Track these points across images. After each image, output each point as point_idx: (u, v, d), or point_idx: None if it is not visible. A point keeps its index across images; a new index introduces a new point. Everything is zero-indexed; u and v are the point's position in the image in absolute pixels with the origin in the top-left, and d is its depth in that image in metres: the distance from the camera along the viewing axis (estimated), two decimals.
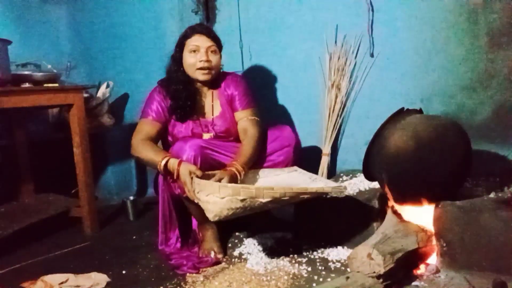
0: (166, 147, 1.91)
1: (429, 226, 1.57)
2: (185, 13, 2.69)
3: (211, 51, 1.84)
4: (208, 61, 1.83)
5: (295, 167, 1.87)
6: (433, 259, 1.55)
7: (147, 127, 1.85)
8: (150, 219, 2.34)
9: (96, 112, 2.67)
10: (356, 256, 1.39)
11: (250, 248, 1.88)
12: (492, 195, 1.59)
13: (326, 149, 2.32)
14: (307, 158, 2.24)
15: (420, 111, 1.75)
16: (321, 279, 1.57)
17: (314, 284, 1.54)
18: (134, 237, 2.16)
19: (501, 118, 1.94)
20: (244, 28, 2.56)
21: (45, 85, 2.10)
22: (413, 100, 2.09)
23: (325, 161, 2.31)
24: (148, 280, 1.67)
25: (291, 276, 1.62)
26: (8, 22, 2.64)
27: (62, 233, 2.23)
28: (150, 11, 2.74)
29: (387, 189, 1.65)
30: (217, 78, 1.94)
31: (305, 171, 1.84)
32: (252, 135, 1.83)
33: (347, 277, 1.37)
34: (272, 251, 1.84)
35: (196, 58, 1.83)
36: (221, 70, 1.98)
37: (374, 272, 1.35)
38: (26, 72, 2.10)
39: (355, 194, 1.90)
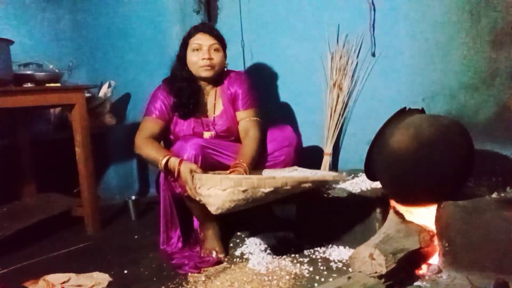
0: (168, 145, 1.91)
1: (431, 226, 1.56)
2: (186, 12, 2.69)
3: (214, 49, 1.86)
4: (210, 58, 1.84)
5: (295, 167, 1.87)
6: (435, 259, 1.54)
7: (150, 125, 1.87)
8: (152, 218, 2.34)
9: (98, 112, 2.67)
10: (358, 256, 1.39)
11: (252, 247, 1.88)
12: (494, 195, 1.58)
13: (328, 149, 2.32)
14: (308, 158, 2.23)
15: (422, 111, 1.75)
16: (322, 279, 1.57)
17: (315, 284, 1.54)
18: (136, 236, 2.16)
19: (503, 117, 1.93)
20: (245, 28, 2.56)
21: (47, 85, 2.10)
22: (415, 100, 2.08)
23: (326, 160, 2.30)
24: (149, 279, 1.67)
25: (292, 276, 1.61)
26: (10, 22, 2.65)
27: (64, 232, 2.24)
28: (151, 11, 2.74)
29: (389, 189, 1.65)
30: (220, 76, 1.95)
31: (305, 169, 1.84)
32: (253, 137, 1.83)
33: (349, 277, 1.36)
34: (273, 251, 1.84)
35: (198, 56, 1.84)
36: (226, 69, 1.98)
37: (376, 272, 1.34)
38: (28, 72, 2.10)
39: (357, 193, 1.89)
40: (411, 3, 2.09)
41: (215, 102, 1.95)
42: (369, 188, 1.93)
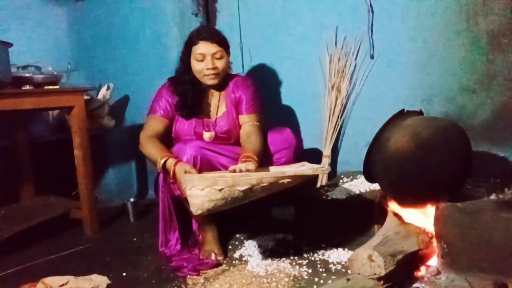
0: (168, 142, 1.92)
1: (430, 227, 1.56)
2: (185, 15, 2.69)
3: (217, 58, 1.85)
4: (214, 68, 1.84)
5: (304, 162, 1.80)
6: (434, 261, 1.54)
7: (154, 123, 1.90)
8: (151, 221, 2.34)
9: (97, 114, 2.67)
10: (357, 258, 1.39)
11: (251, 250, 1.88)
12: (493, 196, 1.58)
13: (327, 151, 2.32)
14: (307, 160, 2.23)
15: (420, 113, 1.75)
16: (321, 281, 1.57)
17: (314, 286, 1.54)
18: (135, 239, 2.16)
19: (501, 119, 1.94)
20: (244, 30, 2.56)
21: (46, 87, 2.10)
22: (413, 102, 2.09)
23: (325, 162, 2.30)
24: (148, 282, 1.67)
25: (291, 278, 1.61)
26: (9, 24, 2.65)
27: (63, 235, 2.23)
28: (150, 13, 2.74)
29: (387, 191, 1.65)
30: (225, 79, 1.96)
31: (312, 164, 1.76)
32: (255, 141, 1.84)
33: (348, 279, 1.36)
34: (272, 253, 1.84)
35: (202, 66, 1.85)
36: (230, 70, 2.00)
37: (375, 274, 1.35)
38: (27, 75, 2.09)
39: (355, 195, 1.90)
40: (409, 5, 2.10)
41: (218, 104, 1.96)
42: (367, 190, 1.94)
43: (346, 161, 2.38)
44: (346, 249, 1.80)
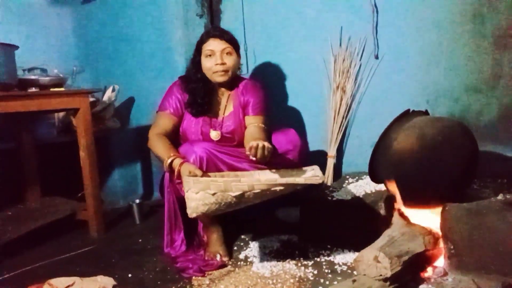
0: (177, 141, 1.92)
1: (436, 228, 1.55)
2: (189, 16, 2.70)
3: (226, 53, 1.88)
4: (223, 63, 1.87)
5: (314, 166, 1.74)
6: (440, 262, 1.53)
7: (164, 120, 1.92)
8: (156, 222, 2.34)
9: (102, 115, 2.68)
10: (363, 259, 1.38)
11: (256, 251, 1.88)
12: (499, 196, 1.57)
13: (332, 152, 2.31)
14: (312, 161, 2.23)
15: (426, 113, 1.74)
16: (327, 282, 1.57)
17: (320, 287, 1.53)
18: (140, 240, 2.16)
19: (507, 118, 1.93)
20: (248, 31, 2.56)
21: (51, 89, 2.11)
22: (419, 102, 2.08)
23: (330, 163, 2.30)
24: (153, 283, 1.67)
25: (297, 279, 1.61)
26: (15, 27, 2.67)
27: (68, 236, 2.24)
28: (154, 15, 2.74)
29: (393, 191, 1.64)
30: (235, 80, 1.98)
31: (312, 171, 1.72)
32: (261, 138, 1.82)
33: (354, 280, 1.36)
34: (278, 254, 1.84)
35: (212, 62, 1.87)
36: (241, 72, 2.04)
37: (381, 275, 1.34)
38: (33, 77, 2.11)
39: (361, 196, 1.89)
40: (414, 5, 2.09)
41: (226, 104, 1.98)
42: (373, 191, 1.93)
43: (351, 162, 2.37)
44: (351, 250, 1.79)
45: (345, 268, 1.67)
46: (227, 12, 2.65)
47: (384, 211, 1.75)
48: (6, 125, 2.44)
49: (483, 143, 1.78)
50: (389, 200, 1.76)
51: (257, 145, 1.56)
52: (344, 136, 2.36)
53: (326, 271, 1.66)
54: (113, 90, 2.73)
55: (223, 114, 1.97)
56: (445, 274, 1.47)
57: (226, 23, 2.64)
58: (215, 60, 1.87)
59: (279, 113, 2.50)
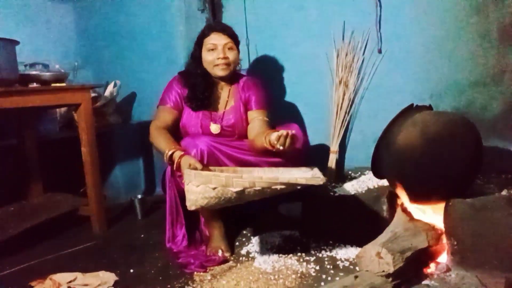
0: (177, 135, 1.92)
1: (439, 224, 1.54)
2: (191, 11, 2.68)
3: (228, 48, 1.90)
4: (225, 57, 1.89)
5: (314, 167, 1.71)
6: (443, 258, 1.52)
7: (164, 114, 1.93)
8: (158, 217, 2.34)
9: (104, 111, 2.67)
10: (365, 254, 1.38)
11: (258, 246, 1.88)
12: (504, 192, 1.56)
13: (334, 147, 2.30)
14: (315, 156, 2.22)
15: (429, 107, 1.73)
16: (329, 278, 1.56)
17: (322, 283, 1.53)
18: (142, 235, 2.16)
19: None
20: (250, 25, 2.55)
21: (53, 85, 2.10)
22: (423, 96, 2.06)
23: (333, 158, 2.28)
24: (155, 278, 1.67)
25: (299, 274, 1.61)
26: (16, 22, 2.66)
27: (71, 232, 2.24)
28: (156, 10, 2.73)
29: (396, 187, 1.63)
30: (234, 75, 2.00)
31: (312, 171, 1.69)
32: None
33: (356, 276, 1.35)
34: (279, 250, 1.83)
35: (214, 56, 1.89)
36: (240, 68, 2.05)
37: (383, 271, 1.33)
38: (34, 72, 2.10)
39: (363, 192, 1.88)
40: None
41: (227, 98, 1.99)
42: (376, 186, 1.92)
43: (354, 157, 2.36)
44: (354, 246, 1.79)
45: (347, 264, 1.67)
46: (228, 6, 2.63)
47: (386, 207, 1.74)
48: (8, 121, 2.44)
49: (487, 138, 1.77)
50: (392, 195, 1.74)
51: (287, 134, 1.55)
52: (346, 131, 2.34)
53: (328, 266, 1.66)
54: (115, 86, 2.72)
55: (224, 108, 1.98)
56: (448, 270, 1.47)
57: (228, 17, 2.63)
58: (218, 54, 1.88)
59: (281, 108, 2.49)
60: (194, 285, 1.58)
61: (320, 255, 1.76)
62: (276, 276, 1.59)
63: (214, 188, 1.42)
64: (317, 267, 1.65)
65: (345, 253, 1.75)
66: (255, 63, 2.56)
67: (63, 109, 2.62)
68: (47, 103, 2.04)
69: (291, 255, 1.77)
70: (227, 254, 1.81)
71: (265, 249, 1.85)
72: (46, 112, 2.56)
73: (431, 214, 1.60)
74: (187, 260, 1.77)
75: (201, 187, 1.42)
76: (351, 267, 1.64)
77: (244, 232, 2.06)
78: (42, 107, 2.27)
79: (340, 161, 2.37)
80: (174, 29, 2.71)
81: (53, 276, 1.63)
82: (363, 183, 1.99)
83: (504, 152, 1.90)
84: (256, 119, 1.93)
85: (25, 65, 2.15)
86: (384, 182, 1.85)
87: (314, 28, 2.36)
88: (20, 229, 1.96)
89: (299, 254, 1.78)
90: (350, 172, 2.22)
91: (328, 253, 1.77)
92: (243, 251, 1.86)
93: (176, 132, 1.94)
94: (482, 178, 1.77)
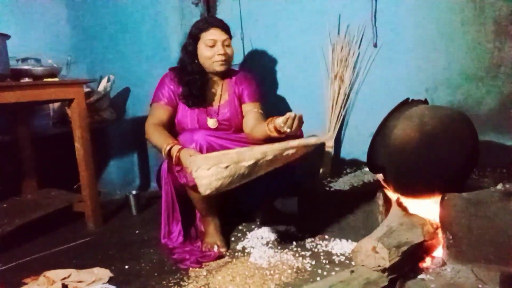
0: (173, 132, 1.90)
1: (435, 218, 1.54)
2: (185, 5, 2.66)
3: (226, 45, 1.89)
4: (225, 54, 1.88)
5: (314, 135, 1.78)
6: (439, 252, 1.53)
7: (159, 111, 1.90)
8: (153, 213, 2.34)
9: (97, 106, 2.65)
10: (361, 249, 1.37)
11: (253, 241, 1.88)
12: (499, 186, 1.55)
13: (330, 141, 2.29)
14: (310, 150, 2.21)
15: (425, 102, 1.72)
16: (325, 273, 1.56)
17: (318, 278, 1.53)
18: (137, 231, 2.15)
19: (508, 108, 1.91)
20: (245, 19, 2.53)
21: (45, 79, 2.08)
22: (418, 90, 2.06)
23: (328, 153, 2.28)
24: (150, 274, 1.67)
25: (294, 269, 1.60)
26: (8, 16, 2.63)
27: (65, 228, 2.23)
28: (150, 4, 2.71)
29: (392, 181, 1.62)
30: (228, 70, 1.99)
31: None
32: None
33: (352, 271, 1.35)
34: (275, 245, 1.83)
35: (213, 52, 1.87)
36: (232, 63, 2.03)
37: (379, 266, 1.33)
38: (26, 67, 2.08)
39: (359, 186, 1.88)
40: None
41: (221, 93, 1.98)
42: (371, 181, 1.92)
43: (350, 152, 2.35)
44: (349, 241, 1.79)
45: (343, 258, 1.67)
46: (223, 0, 2.61)
47: (382, 201, 1.74)
48: (1, 117, 2.42)
49: (483, 132, 1.77)
50: (388, 190, 1.74)
51: (295, 115, 1.54)
52: (342, 126, 2.33)
53: (324, 261, 1.65)
54: (108, 81, 2.70)
55: (219, 103, 1.96)
56: (444, 264, 1.47)
57: (222, 11, 2.60)
58: (218, 50, 1.86)
59: (276, 102, 2.48)
60: (189, 281, 1.57)
61: (316, 250, 1.76)
62: (272, 271, 1.59)
63: (226, 167, 1.38)
64: (313, 262, 1.65)
65: (341, 248, 1.75)
66: (250, 57, 2.54)
67: (56, 105, 2.60)
68: (39, 99, 2.01)
69: (286, 250, 1.77)
70: (222, 250, 1.81)
71: (261, 244, 1.84)
72: (40, 107, 2.54)
73: (427, 208, 1.60)
74: (183, 256, 1.77)
75: (212, 169, 1.38)
76: (347, 261, 1.64)
77: (240, 227, 2.05)
78: (35, 102, 2.24)
79: (336, 155, 2.36)
80: (168, 23, 2.68)
81: (47, 272, 1.62)
82: (358, 178, 1.98)
83: (499, 146, 1.90)
84: (251, 111, 1.93)
85: (17, 60, 2.12)
86: (380, 177, 1.85)
87: (309, 21, 2.34)
88: (14, 225, 1.94)
89: (295, 249, 1.78)
90: (345, 167, 2.21)
91: (323, 248, 1.77)
92: (239, 247, 1.85)
93: (171, 128, 1.92)
94: (478, 173, 1.78)
